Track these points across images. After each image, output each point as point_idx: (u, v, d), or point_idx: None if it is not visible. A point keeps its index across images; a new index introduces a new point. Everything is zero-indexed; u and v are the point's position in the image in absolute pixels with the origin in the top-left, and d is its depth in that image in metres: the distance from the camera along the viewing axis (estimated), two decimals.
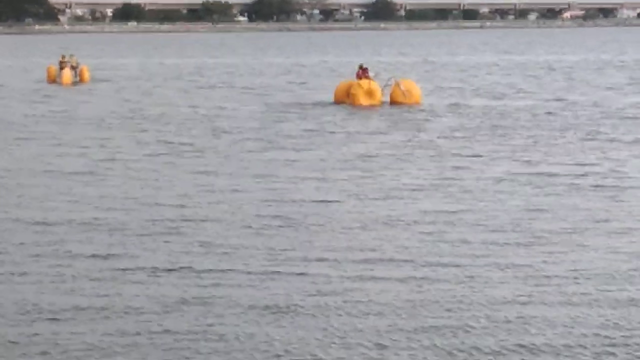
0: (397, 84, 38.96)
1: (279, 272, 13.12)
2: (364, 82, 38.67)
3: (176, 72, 67.56)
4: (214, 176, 21.21)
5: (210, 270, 13.22)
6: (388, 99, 38.38)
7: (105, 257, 13.99)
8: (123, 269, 13.30)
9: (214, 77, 61.34)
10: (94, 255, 14.05)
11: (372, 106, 37.51)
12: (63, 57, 55.97)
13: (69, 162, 23.59)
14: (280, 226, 15.91)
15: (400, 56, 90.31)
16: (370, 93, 38.04)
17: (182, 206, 17.66)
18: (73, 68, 54.44)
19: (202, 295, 12.06)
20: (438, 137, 27.94)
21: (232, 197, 18.54)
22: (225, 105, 39.92)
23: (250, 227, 15.88)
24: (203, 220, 16.39)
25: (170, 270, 13.23)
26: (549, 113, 34.83)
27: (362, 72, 39.42)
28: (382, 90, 38.77)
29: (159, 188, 19.76)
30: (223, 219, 16.52)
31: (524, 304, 11.57)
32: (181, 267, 13.35)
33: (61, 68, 54.07)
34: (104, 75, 60.70)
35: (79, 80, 53.85)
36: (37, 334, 10.68)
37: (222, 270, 13.18)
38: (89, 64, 63.09)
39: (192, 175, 21.38)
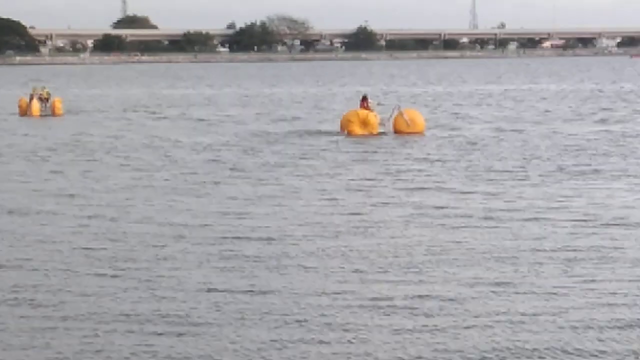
0: (401, 113, 38.85)
1: (246, 314, 12.33)
2: (359, 112, 38.78)
3: (154, 102, 66.89)
4: (180, 211, 20.39)
5: (172, 316, 12.39)
6: (392, 128, 38.35)
7: (54, 304, 13.12)
8: (69, 317, 12.43)
9: (189, 108, 60.71)
10: (41, 303, 13.20)
11: (366, 135, 37.39)
12: (34, 89, 55.27)
13: (12, 198, 22.72)
14: (248, 264, 15.12)
15: (384, 86, 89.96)
16: (364, 122, 37.99)
17: (144, 244, 16.84)
18: (44, 100, 53.55)
19: (164, 344, 11.25)
20: (417, 168, 27.34)
21: (196, 234, 17.74)
22: (200, 136, 39.20)
23: (213, 265, 15.08)
24: (161, 259, 15.57)
25: (125, 316, 12.40)
26: (525, 141, 34.29)
27: (362, 102, 39.38)
28: (388, 119, 38.75)
29: (119, 223, 18.91)
30: (184, 258, 15.71)
31: (512, 335, 10.86)
32: (139, 313, 12.50)
33: (31, 100, 53.30)
34: (79, 107, 60.01)
35: (50, 112, 52.93)
36: None
37: (182, 317, 12.36)
38: (66, 95, 62.48)
39: (155, 210, 20.55)
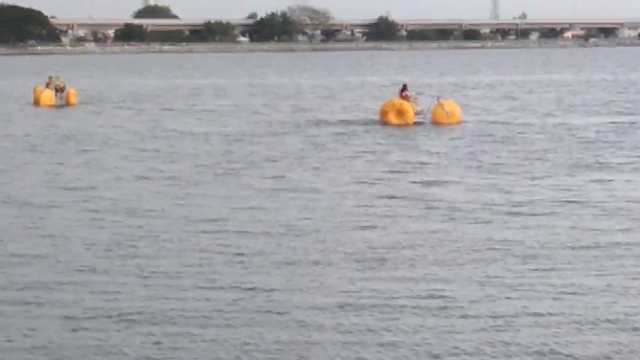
0: (441, 105, 38.90)
1: (251, 310, 12.05)
2: (395, 102, 38.99)
3: (168, 93, 66.66)
4: (191, 203, 20.09)
5: (182, 313, 12.10)
6: (430, 119, 38.42)
7: (64, 300, 12.86)
8: (79, 315, 12.16)
9: (203, 97, 60.45)
10: (50, 299, 12.93)
11: (402, 125, 37.39)
12: (50, 78, 55.17)
13: (19, 190, 22.46)
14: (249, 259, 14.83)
15: (399, 76, 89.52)
16: (400, 112, 38.03)
17: (150, 237, 16.57)
18: (59, 90, 53.44)
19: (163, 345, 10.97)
20: (435, 161, 26.96)
21: (208, 227, 17.45)
22: (212, 127, 38.90)
23: (225, 260, 14.78)
24: (169, 253, 15.30)
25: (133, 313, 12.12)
26: (539, 133, 33.85)
27: (402, 91, 39.51)
28: (427, 109, 38.92)
29: (129, 216, 18.64)
30: (195, 254, 15.42)
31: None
32: (148, 310, 12.24)
33: (47, 89, 53.22)
34: (95, 97, 59.83)
35: (65, 102, 52.81)
36: None
37: (193, 314, 12.07)
38: (83, 86, 62.23)
39: (166, 202, 20.25)
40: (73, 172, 25.77)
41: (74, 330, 11.47)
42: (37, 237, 16.96)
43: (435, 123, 38.01)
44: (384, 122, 38.13)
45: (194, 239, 16.53)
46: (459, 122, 38.40)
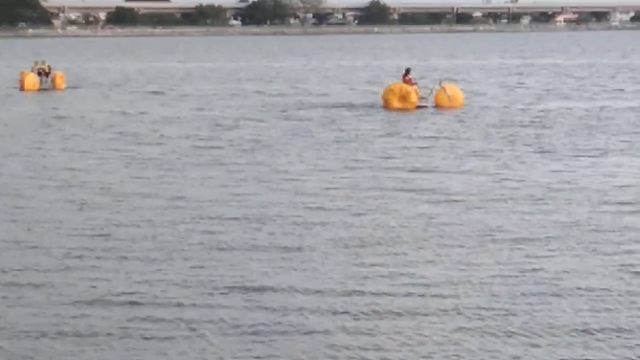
0: (443, 88, 39.14)
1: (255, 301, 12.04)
2: (397, 86, 39.09)
3: (158, 76, 66.52)
4: (172, 190, 20.04)
5: (167, 301, 12.08)
6: (433, 103, 38.51)
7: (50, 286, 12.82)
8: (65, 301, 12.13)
9: (189, 81, 60.29)
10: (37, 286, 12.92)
11: (404, 109, 37.46)
12: (36, 62, 54.90)
13: None
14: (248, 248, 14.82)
15: (395, 60, 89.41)
16: (403, 96, 38.11)
17: (134, 224, 16.58)
18: (43, 74, 53.11)
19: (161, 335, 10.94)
20: (426, 146, 26.90)
21: (193, 213, 17.43)
22: (203, 111, 38.84)
23: (212, 249, 14.75)
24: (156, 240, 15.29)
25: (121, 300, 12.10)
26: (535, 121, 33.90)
27: (404, 75, 39.57)
28: (429, 93, 39.00)
29: (111, 202, 18.61)
30: (180, 242, 15.39)
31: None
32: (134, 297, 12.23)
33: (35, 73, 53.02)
34: (83, 81, 59.65)
35: (50, 86, 52.59)
36: None
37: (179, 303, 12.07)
38: (73, 68, 61.94)
39: (145, 188, 20.22)
40: (53, 157, 25.73)
41: (55, 315, 11.49)
42: (18, 222, 16.93)
43: (438, 107, 38.13)
44: (386, 107, 38.12)
45: (177, 224, 16.51)
46: (461, 106, 38.49)
